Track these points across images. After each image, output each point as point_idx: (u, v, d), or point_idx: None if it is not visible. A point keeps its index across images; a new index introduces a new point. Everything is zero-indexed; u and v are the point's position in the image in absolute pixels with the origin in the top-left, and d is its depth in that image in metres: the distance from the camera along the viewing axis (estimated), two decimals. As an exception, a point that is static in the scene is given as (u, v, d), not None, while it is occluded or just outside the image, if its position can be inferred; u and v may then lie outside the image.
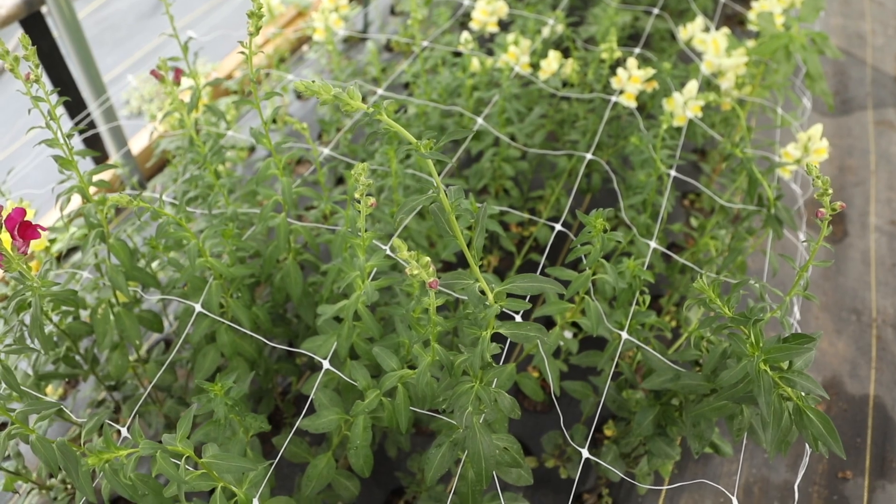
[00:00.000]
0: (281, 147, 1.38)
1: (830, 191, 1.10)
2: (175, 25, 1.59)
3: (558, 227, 1.48)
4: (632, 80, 2.02)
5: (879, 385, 2.33)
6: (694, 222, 2.58)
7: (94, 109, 2.25)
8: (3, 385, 1.14)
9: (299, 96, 3.29)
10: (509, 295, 0.95)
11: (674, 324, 2.22)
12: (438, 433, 1.17)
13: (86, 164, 2.58)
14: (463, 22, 3.44)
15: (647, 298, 1.45)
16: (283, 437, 1.34)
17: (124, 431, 1.16)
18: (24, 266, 1.02)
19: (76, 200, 2.26)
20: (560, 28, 2.47)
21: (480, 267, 2.39)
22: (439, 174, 2.00)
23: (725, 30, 2.36)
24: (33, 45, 2.07)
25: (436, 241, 1.84)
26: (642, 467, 1.61)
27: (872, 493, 1.99)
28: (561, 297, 1.31)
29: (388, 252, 1.26)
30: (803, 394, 1.02)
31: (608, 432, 1.91)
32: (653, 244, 1.55)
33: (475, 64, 2.28)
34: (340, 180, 2.68)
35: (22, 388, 1.15)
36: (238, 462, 0.99)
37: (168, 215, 1.16)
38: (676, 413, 1.44)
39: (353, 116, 2.39)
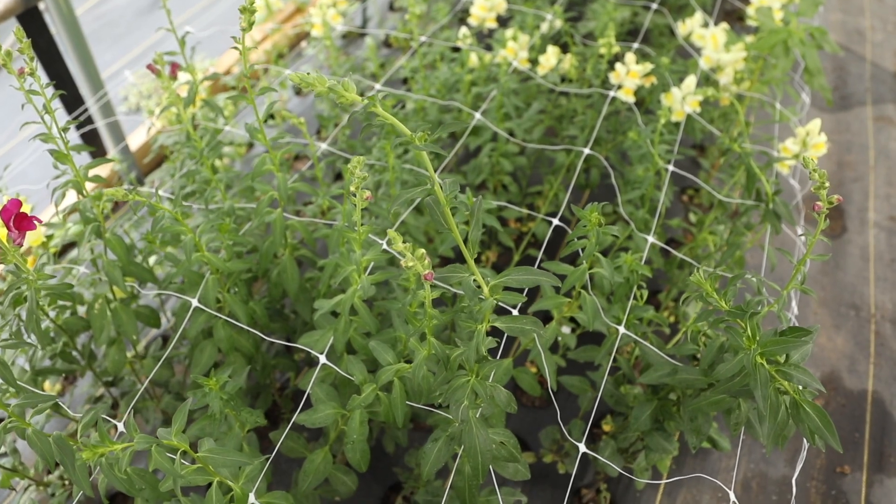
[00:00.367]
0: (277, 142, 1.38)
1: (827, 184, 1.10)
2: (173, 21, 1.59)
3: (556, 221, 1.48)
4: (630, 76, 2.01)
5: (878, 380, 2.33)
6: (693, 218, 2.58)
7: (91, 105, 2.24)
8: (0, 380, 1.14)
9: (298, 92, 3.29)
10: (505, 288, 0.95)
11: (672, 319, 2.22)
12: (436, 428, 1.17)
13: (82, 159, 2.57)
14: (462, 17, 3.43)
15: (645, 293, 1.44)
16: (280, 432, 1.34)
17: (120, 426, 1.15)
18: (20, 258, 1.01)
19: (73, 196, 2.26)
20: (558, 23, 2.46)
21: (479, 262, 2.39)
22: (436, 169, 2.00)
23: (724, 25, 2.35)
24: (30, 40, 2.06)
25: (433, 236, 1.84)
26: (640, 462, 1.61)
27: (870, 488, 1.99)
28: (558, 291, 1.31)
29: (385, 247, 1.26)
30: (800, 387, 1.02)
31: (606, 427, 1.91)
32: (650, 239, 1.54)
33: (473, 59, 2.28)
34: (338, 176, 2.68)
35: (19, 383, 1.15)
36: (234, 456, 0.99)
37: (164, 209, 1.16)
38: (674, 408, 1.43)
39: (351, 112, 2.38)
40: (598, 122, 1.90)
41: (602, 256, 1.24)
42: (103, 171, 2.51)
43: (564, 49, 2.81)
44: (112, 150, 2.54)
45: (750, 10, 2.41)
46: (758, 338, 0.97)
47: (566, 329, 1.96)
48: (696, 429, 1.32)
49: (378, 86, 1.91)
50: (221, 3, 4.18)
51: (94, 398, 1.86)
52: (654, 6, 2.45)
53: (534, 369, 2.03)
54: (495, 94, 1.99)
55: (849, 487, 1.99)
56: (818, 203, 1.11)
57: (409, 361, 1.19)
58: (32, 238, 1.60)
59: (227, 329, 1.43)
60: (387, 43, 3.50)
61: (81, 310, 1.68)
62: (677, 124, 2.08)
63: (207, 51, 3.48)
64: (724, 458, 2.01)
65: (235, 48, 1.17)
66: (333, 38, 2.66)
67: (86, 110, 2.31)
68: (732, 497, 1.21)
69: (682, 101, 2.01)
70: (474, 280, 0.89)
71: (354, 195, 1.01)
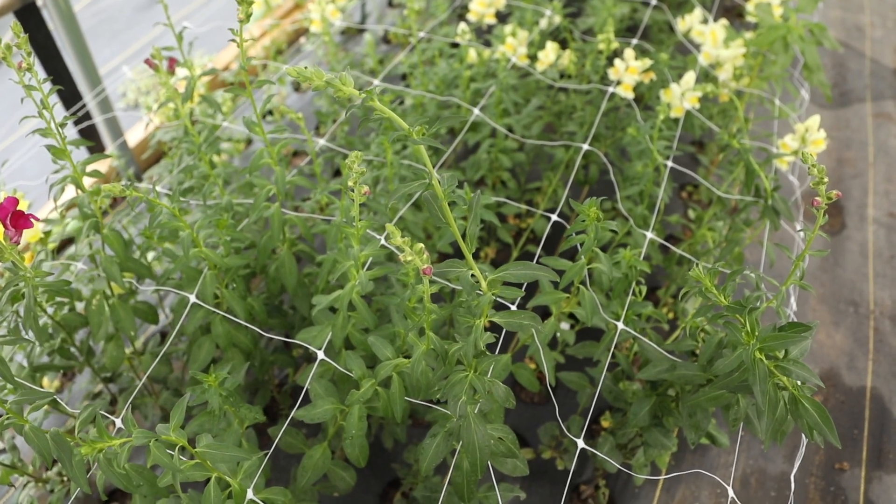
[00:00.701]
0: (275, 137, 1.38)
1: (826, 179, 1.09)
2: (171, 17, 1.58)
3: (554, 217, 1.47)
4: (629, 71, 2.01)
5: (877, 377, 2.33)
6: (692, 214, 2.58)
7: (89, 101, 2.24)
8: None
9: (297, 89, 3.28)
10: (504, 283, 0.95)
11: (671, 315, 2.22)
12: (434, 424, 1.17)
13: (81, 154, 2.57)
14: (461, 13, 3.42)
15: (644, 289, 1.44)
16: (278, 427, 1.34)
17: (118, 422, 1.15)
18: (17, 256, 1.01)
19: (70, 192, 2.25)
20: (557, 19, 2.46)
21: (477, 258, 2.38)
22: (435, 165, 2.00)
23: (724, 21, 2.35)
24: (27, 36, 2.05)
25: (432, 232, 1.83)
26: (639, 458, 1.61)
27: (869, 484, 1.99)
28: (556, 286, 1.30)
29: (383, 242, 1.26)
30: (799, 383, 1.02)
31: (605, 423, 1.91)
32: (649, 234, 1.54)
33: (472, 55, 2.27)
34: (337, 172, 2.67)
35: (17, 379, 1.15)
36: (232, 452, 0.99)
37: (162, 205, 1.16)
38: (673, 404, 1.43)
39: (350, 108, 2.38)
40: (597, 118, 1.89)
41: (601, 252, 1.24)
42: (101, 166, 2.51)
43: (563, 45, 2.80)
44: (110, 146, 2.54)
45: (749, 7, 2.41)
46: (757, 333, 0.97)
47: (565, 325, 1.96)
48: (695, 425, 1.32)
49: (377, 81, 1.90)
50: (218, 11, 4.18)
51: (93, 394, 1.85)
52: (654, 2, 2.44)
53: (532, 365, 2.03)
54: (494, 90, 1.99)
55: (847, 484, 1.99)
56: (817, 199, 1.11)
57: (407, 357, 1.19)
58: (30, 234, 1.60)
59: (226, 325, 1.43)
60: (385, 39, 3.49)
61: (80, 306, 1.68)
62: (676, 120, 2.08)
63: (205, 47, 3.47)
64: (722, 455, 2.01)
65: (233, 41, 1.16)
66: (332, 33, 2.65)
67: (84, 106, 2.30)
68: (731, 493, 1.21)
69: (682, 97, 2.00)
70: (472, 275, 0.88)
71: (352, 190, 1.01)
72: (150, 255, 1.76)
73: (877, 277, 2.69)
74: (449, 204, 0.98)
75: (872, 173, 3.21)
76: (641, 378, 1.34)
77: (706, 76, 2.34)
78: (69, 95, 2.40)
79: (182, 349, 1.75)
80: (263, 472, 1.15)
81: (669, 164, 1.74)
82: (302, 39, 3.54)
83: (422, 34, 2.27)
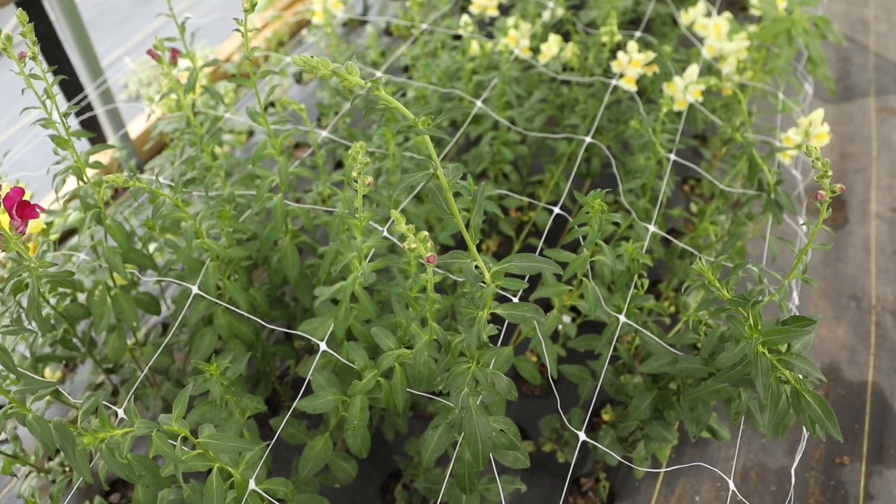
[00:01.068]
0: (278, 128, 1.37)
1: (830, 173, 1.09)
2: (172, 8, 1.58)
3: (557, 210, 1.47)
4: (632, 64, 2.00)
5: (878, 372, 2.33)
6: (694, 208, 2.58)
7: (91, 92, 2.23)
8: (1, 366, 1.14)
9: (298, 81, 3.27)
10: (507, 275, 0.95)
11: (672, 309, 2.22)
12: (436, 416, 1.17)
13: (82, 146, 2.56)
14: (463, 6, 3.41)
15: (646, 282, 1.44)
16: (280, 418, 1.34)
17: (121, 413, 1.15)
18: (22, 246, 1.01)
19: (72, 183, 2.25)
20: (560, 12, 2.45)
21: (479, 251, 2.38)
22: (438, 155, 1.99)
23: (727, 14, 2.34)
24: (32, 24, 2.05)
25: (434, 224, 1.83)
26: (639, 451, 1.61)
27: (869, 479, 1.99)
28: (559, 279, 1.30)
29: (385, 233, 1.25)
30: (801, 377, 1.02)
31: (606, 416, 1.91)
32: (651, 228, 1.54)
33: (475, 47, 2.26)
34: (339, 164, 2.67)
35: (19, 369, 1.15)
36: (235, 442, 0.99)
37: (165, 195, 1.16)
38: (674, 397, 1.43)
39: (352, 100, 2.37)
40: (600, 111, 1.89)
41: (604, 244, 1.24)
42: (103, 157, 2.50)
43: (566, 38, 2.79)
44: (112, 138, 2.53)
45: (753, 0, 2.39)
46: (760, 327, 0.97)
47: (566, 318, 1.96)
48: (696, 418, 1.33)
49: (379, 73, 1.90)
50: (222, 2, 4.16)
51: (94, 385, 1.86)
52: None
53: (534, 358, 2.03)
54: (496, 83, 1.98)
55: (848, 478, 1.99)
56: (821, 192, 1.11)
57: (409, 347, 1.19)
58: (33, 225, 1.60)
59: (228, 316, 1.43)
60: (388, 31, 3.48)
61: (82, 297, 1.68)
62: (679, 114, 2.07)
63: (207, 38, 3.46)
64: (723, 448, 2.02)
65: (238, 30, 1.16)
66: (334, 25, 2.65)
67: (85, 97, 2.29)
68: (732, 486, 1.21)
69: (685, 90, 2.00)
70: (476, 266, 0.88)
71: (356, 181, 1.01)
72: (152, 247, 1.76)
73: (879, 272, 2.69)
74: (453, 194, 0.98)
75: (875, 168, 3.21)
76: (643, 371, 1.34)
77: (709, 70, 2.33)
78: (70, 87, 2.39)
79: (184, 340, 1.76)
80: (265, 463, 1.15)
81: (672, 157, 1.74)
82: (304, 31, 3.53)
83: (424, 26, 2.26)
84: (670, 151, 1.80)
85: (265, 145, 1.30)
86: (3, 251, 1.01)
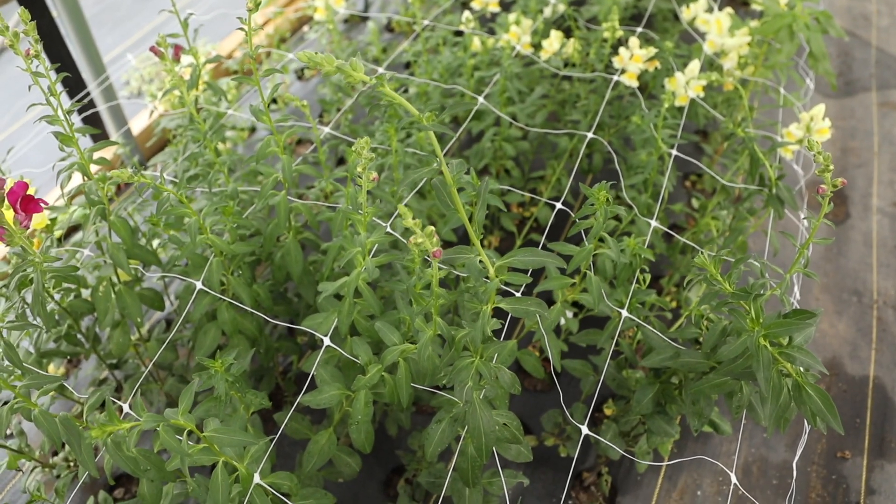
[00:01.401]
0: (281, 125, 1.38)
1: (831, 167, 1.09)
2: (175, 3, 1.58)
3: (559, 205, 1.48)
4: (634, 60, 2.00)
5: (879, 366, 2.34)
6: (695, 203, 2.58)
7: (93, 89, 2.23)
8: (6, 362, 1.14)
9: (300, 77, 3.27)
10: (510, 269, 0.95)
11: (674, 304, 2.23)
12: (439, 410, 1.18)
13: (86, 142, 2.57)
14: (464, 2, 3.41)
15: (648, 277, 1.45)
16: (284, 413, 1.35)
17: (126, 407, 1.16)
18: (27, 241, 1.02)
19: (76, 180, 2.26)
20: (561, 8, 2.45)
21: (482, 246, 2.38)
22: (442, 150, 2.00)
23: (729, 10, 2.34)
24: (35, 22, 2.05)
25: (436, 220, 1.84)
26: (641, 445, 1.62)
27: (871, 473, 2.00)
28: (563, 273, 1.31)
29: (388, 229, 1.26)
30: (802, 370, 1.02)
31: (608, 411, 1.92)
32: (653, 223, 1.54)
33: (476, 43, 2.26)
34: (341, 161, 2.67)
35: (24, 364, 1.16)
36: (239, 436, 1.00)
37: (169, 191, 1.16)
38: (676, 391, 1.44)
39: (354, 96, 2.38)
40: (602, 107, 1.89)
41: (609, 237, 1.24)
42: (106, 154, 2.51)
43: (568, 33, 2.79)
44: (114, 134, 2.54)
45: (755, -5, 2.39)
46: (761, 320, 0.98)
47: (568, 313, 1.97)
48: (698, 412, 1.33)
49: (381, 70, 1.90)
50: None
51: (98, 381, 1.87)
52: (658, -9, 2.43)
53: (537, 352, 2.04)
54: (498, 79, 1.99)
55: (849, 472, 2.00)
56: (822, 186, 1.11)
57: (413, 343, 1.20)
58: (36, 221, 1.60)
59: (231, 312, 1.44)
60: (389, 28, 3.48)
61: (86, 293, 1.69)
62: (681, 109, 2.07)
63: (209, 34, 3.47)
64: (724, 443, 2.03)
65: (242, 29, 1.16)
66: (336, 22, 2.65)
67: (88, 94, 2.30)
68: (734, 479, 1.22)
69: (686, 85, 2.00)
70: (480, 260, 0.89)
71: (360, 177, 1.01)
72: (156, 243, 1.76)
73: (880, 267, 2.69)
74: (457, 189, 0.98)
75: (877, 163, 3.21)
76: (645, 366, 1.34)
77: (711, 65, 2.33)
78: (73, 83, 2.40)
79: (187, 336, 1.76)
80: (269, 458, 1.16)
81: (674, 152, 1.74)
82: (305, 28, 3.53)
83: (426, 22, 2.26)
84: (672, 147, 1.80)
85: (269, 143, 1.30)
86: (7, 246, 1.01)
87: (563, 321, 1.68)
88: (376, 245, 1.20)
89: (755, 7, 2.34)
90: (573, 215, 1.28)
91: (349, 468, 1.41)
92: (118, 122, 2.44)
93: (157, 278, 1.62)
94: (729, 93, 2.47)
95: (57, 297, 1.48)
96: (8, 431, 1.63)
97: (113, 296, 1.46)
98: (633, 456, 1.64)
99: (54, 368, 2.04)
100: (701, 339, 1.38)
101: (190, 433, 0.96)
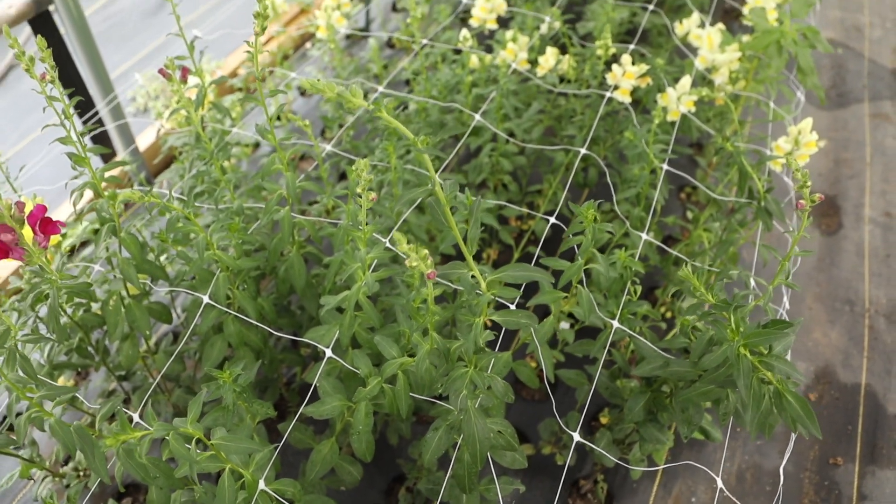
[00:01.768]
0: (285, 143, 1.44)
1: (809, 183, 1.15)
2: (181, 24, 1.64)
3: (552, 220, 1.53)
4: (626, 77, 2.06)
5: (871, 374, 2.38)
6: (690, 215, 2.63)
7: (101, 108, 2.30)
8: (20, 373, 1.19)
9: (303, 93, 3.34)
10: (506, 284, 1.00)
11: (669, 314, 2.27)
12: (437, 419, 1.23)
13: (94, 160, 2.63)
14: (464, 18, 3.48)
15: (639, 289, 1.50)
16: (287, 423, 1.40)
17: (136, 417, 1.21)
18: (45, 259, 1.07)
19: (87, 195, 2.32)
20: (558, 25, 2.51)
21: (480, 259, 2.44)
22: (438, 169, 2.05)
23: (720, 25, 2.40)
24: (51, 50, 2.11)
25: (435, 234, 1.89)
26: (635, 453, 1.66)
27: (862, 479, 2.04)
28: (556, 286, 1.36)
29: (388, 245, 1.31)
30: (783, 378, 1.07)
31: (604, 420, 1.97)
32: (644, 236, 1.59)
33: (474, 61, 2.32)
34: (343, 176, 2.73)
35: (38, 377, 1.21)
36: (246, 444, 1.05)
37: (178, 210, 1.22)
38: (667, 399, 1.49)
39: (355, 113, 2.44)
40: (595, 122, 1.95)
41: (598, 252, 1.29)
42: (115, 171, 2.57)
43: (564, 50, 2.86)
44: (121, 150, 2.60)
45: (746, 10, 2.45)
46: (741, 329, 1.02)
47: (565, 325, 2.01)
48: (688, 419, 1.38)
49: (381, 88, 1.96)
50: (226, 4, 4.23)
51: (107, 392, 1.92)
52: (651, 7, 2.49)
53: (533, 363, 2.08)
54: (495, 96, 2.05)
55: (841, 478, 2.04)
56: (801, 201, 1.16)
57: (412, 355, 1.25)
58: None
59: (237, 324, 1.49)
60: (390, 44, 3.55)
61: (95, 306, 1.74)
62: (673, 123, 2.13)
63: (213, 52, 3.54)
64: (718, 450, 2.07)
65: (248, 52, 1.22)
66: (337, 39, 2.71)
67: (97, 113, 2.36)
68: (720, 483, 1.26)
69: (678, 101, 2.05)
70: (472, 276, 0.94)
71: (360, 196, 1.07)
72: (163, 257, 1.82)
73: (872, 276, 2.74)
74: (451, 208, 1.03)
75: (869, 173, 3.26)
76: (636, 374, 1.39)
77: (703, 79, 2.38)
78: (82, 101, 2.46)
79: (193, 348, 1.81)
80: (273, 466, 1.21)
81: (665, 167, 1.80)
82: (307, 44, 3.60)
83: (424, 41, 2.33)
84: (663, 161, 1.85)
85: (273, 160, 1.36)
86: (26, 264, 1.07)
87: (558, 332, 1.73)
88: (376, 260, 1.26)
89: (747, 22, 2.40)
90: (566, 231, 1.33)
91: (351, 476, 1.45)
92: (125, 139, 2.50)
93: (165, 292, 1.67)
94: (721, 106, 2.53)
95: (69, 311, 1.54)
96: (24, 438, 1.68)
97: (122, 309, 1.51)
98: (627, 463, 1.68)
99: (64, 380, 2.10)
100: (690, 349, 1.43)
101: (198, 441, 1.01)
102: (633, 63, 2.08)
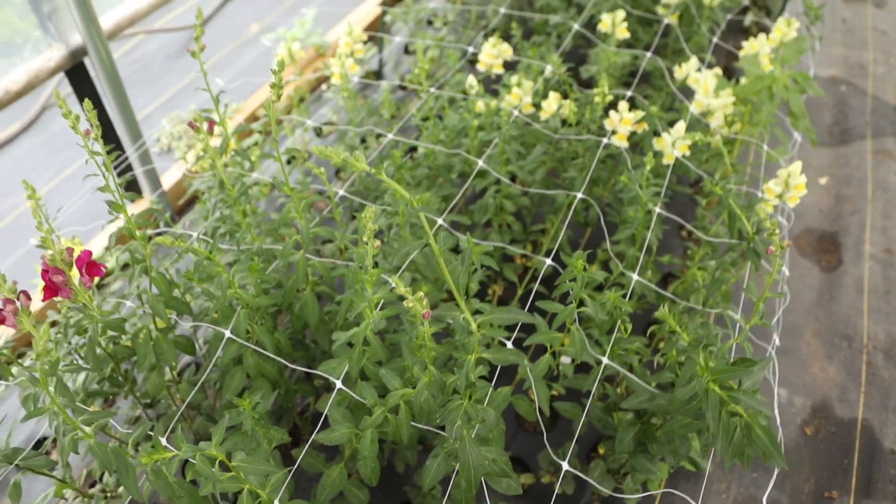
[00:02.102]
0: (299, 190, 1.57)
1: (779, 231, 1.25)
2: (201, 63, 1.77)
3: (548, 261, 1.64)
4: (623, 122, 2.18)
5: (868, 409, 2.44)
6: (691, 253, 2.73)
7: (131, 153, 2.46)
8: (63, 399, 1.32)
9: (318, 133, 3.50)
10: (508, 327, 1.11)
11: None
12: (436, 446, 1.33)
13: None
14: (472, 60, 3.64)
15: (629, 327, 1.60)
16: (300, 449, 1.51)
17: (163, 441, 1.33)
18: (89, 298, 1.20)
19: (112, 226, 2.47)
20: (563, 68, 2.65)
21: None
22: (446, 209, 2.18)
23: (717, 70, 2.52)
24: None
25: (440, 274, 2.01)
26: (629, 483, 1.74)
27: (856, 512, 2.10)
28: (550, 325, 1.46)
29: (394, 284, 1.43)
30: (752, 411, 1.16)
31: (602, 451, 2.05)
32: (636, 277, 1.70)
33: (480, 105, 2.47)
34: (356, 213, 2.87)
35: (77, 404, 1.33)
36: (263, 466, 1.16)
37: (204, 254, 1.35)
38: (657, 431, 1.58)
39: (368, 156, 2.58)
40: (593, 166, 2.07)
41: (588, 297, 1.40)
42: (141, 206, 2.74)
43: (566, 94, 2.99)
44: (147, 190, 2.77)
45: (742, 54, 2.58)
46: (711, 365, 1.12)
47: (566, 359, 2.11)
48: (674, 450, 1.47)
49: (391, 136, 2.10)
50: (249, 50, 4.44)
51: (133, 419, 2.04)
52: (648, 54, 2.62)
53: (534, 396, 2.18)
54: (498, 142, 2.18)
55: (835, 511, 2.10)
56: (771, 248, 1.27)
57: (415, 387, 1.36)
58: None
59: (255, 357, 1.61)
60: (402, 86, 3.71)
61: (124, 337, 1.87)
62: (669, 166, 2.24)
63: (233, 94, 3.73)
64: (714, 482, 2.14)
65: (274, 89, 1.36)
66: (351, 84, 2.87)
67: (126, 159, 2.53)
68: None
69: (673, 145, 2.17)
70: (464, 318, 1.05)
71: (367, 243, 1.19)
72: (188, 296, 1.95)
73: (871, 312, 2.80)
74: (453, 250, 1.15)
75: (870, 210, 3.33)
76: (625, 407, 1.49)
77: (699, 122, 2.50)
78: (112, 143, 2.64)
79: (214, 378, 1.94)
80: (287, 488, 1.31)
81: (658, 210, 1.91)
82: (323, 86, 3.78)
83: (432, 89, 2.47)
84: (656, 204, 1.96)
85: (290, 209, 1.49)
86: (73, 302, 1.20)
87: (561, 366, 1.83)
88: (383, 300, 1.38)
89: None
90: (562, 273, 1.44)
91: (358, 500, 1.56)
92: (152, 181, 2.67)
93: (189, 326, 1.80)
94: (718, 148, 2.64)
95: (102, 342, 1.67)
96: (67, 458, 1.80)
97: (151, 342, 1.64)
98: (620, 493, 1.76)
99: (95, 407, 2.23)
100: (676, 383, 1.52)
101: (220, 463, 1.12)
102: (630, 109, 2.21)
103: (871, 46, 4.61)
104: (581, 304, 1.44)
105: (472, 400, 1.15)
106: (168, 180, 2.95)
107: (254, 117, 3.38)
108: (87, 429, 1.23)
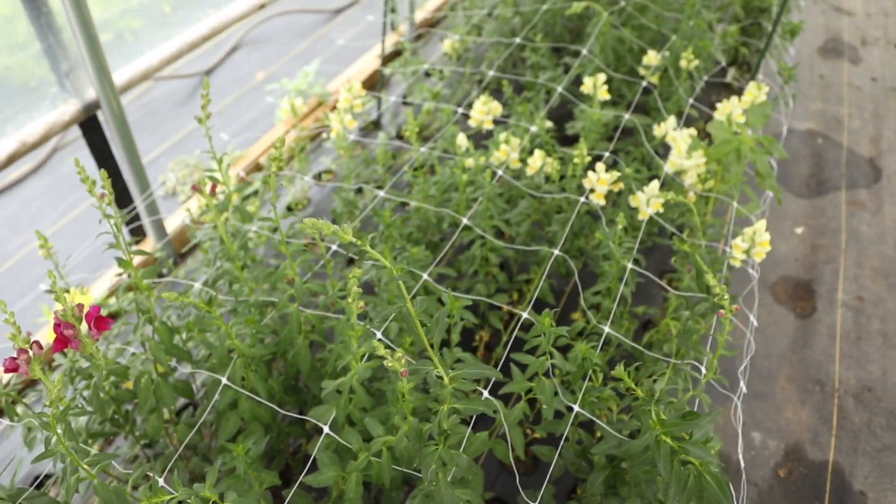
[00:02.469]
0: (296, 247, 1.71)
1: (727, 297, 1.38)
2: (204, 111, 1.90)
3: (525, 314, 1.77)
4: (600, 182, 2.33)
5: (839, 451, 2.54)
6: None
7: (139, 203, 2.61)
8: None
9: (318, 180, 3.66)
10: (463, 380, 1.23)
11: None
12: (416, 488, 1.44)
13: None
14: (465, 113, 3.81)
15: (600, 376, 1.72)
16: (289, 490, 1.61)
17: (161, 481, 1.44)
18: (96, 349, 1.32)
19: (113, 269, 2.59)
20: (549, 124, 2.81)
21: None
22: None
23: (692, 131, 2.68)
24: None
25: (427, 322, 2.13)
26: (602, 524, 1.84)
27: (825, 554, 2.19)
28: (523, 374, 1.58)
29: (379, 336, 1.56)
30: (703, 461, 1.28)
31: (580, 492, 2.14)
32: (607, 329, 1.83)
33: (470, 162, 2.62)
34: (351, 260, 3.00)
35: (80, 444, 1.44)
36: (253, 507, 1.27)
37: (205, 308, 1.48)
38: (626, 475, 1.68)
39: (364, 206, 2.73)
40: (572, 221, 2.21)
41: (555, 350, 1.53)
42: (145, 247, 2.87)
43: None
44: (151, 235, 2.90)
45: (716, 115, 2.75)
46: (663, 418, 1.24)
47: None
48: (640, 493, 1.57)
49: (382, 193, 2.25)
50: (253, 98, 4.63)
51: (132, 458, 2.14)
52: (627, 115, 2.79)
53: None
54: (482, 199, 2.32)
55: (804, 553, 2.19)
56: (721, 311, 1.40)
57: (396, 434, 1.47)
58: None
59: (250, 402, 1.73)
60: (399, 136, 3.89)
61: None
62: (644, 221, 2.39)
63: (240, 141, 3.89)
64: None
65: (272, 150, 1.50)
66: (349, 137, 3.03)
67: (134, 208, 2.67)
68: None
69: (647, 203, 2.32)
70: (437, 374, 1.18)
71: (352, 302, 1.32)
72: (190, 343, 2.07)
73: (843, 358, 2.92)
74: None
75: (843, 259, 3.48)
76: (594, 453, 1.60)
77: (673, 181, 2.65)
78: (119, 193, 2.78)
79: (210, 420, 2.04)
80: (277, 528, 1.42)
81: (629, 265, 2.04)
82: (324, 134, 3.95)
83: (423, 149, 2.63)
84: (630, 260, 2.10)
85: (286, 268, 1.63)
86: (81, 354, 1.32)
87: (543, 411, 1.94)
88: (367, 353, 1.50)
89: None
90: (530, 332, 1.56)
91: (344, 539, 1.65)
92: (158, 229, 2.80)
93: (188, 372, 1.92)
94: (693, 203, 2.79)
95: (106, 387, 1.78)
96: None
97: (152, 387, 1.75)
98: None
99: (97, 447, 2.32)
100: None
101: (214, 503, 1.23)
102: (606, 171, 2.36)
103: (847, 101, 4.81)
104: (551, 356, 1.56)
105: (446, 446, 1.26)
106: (172, 224, 3.09)
107: (257, 165, 3.54)
108: (91, 469, 1.34)
